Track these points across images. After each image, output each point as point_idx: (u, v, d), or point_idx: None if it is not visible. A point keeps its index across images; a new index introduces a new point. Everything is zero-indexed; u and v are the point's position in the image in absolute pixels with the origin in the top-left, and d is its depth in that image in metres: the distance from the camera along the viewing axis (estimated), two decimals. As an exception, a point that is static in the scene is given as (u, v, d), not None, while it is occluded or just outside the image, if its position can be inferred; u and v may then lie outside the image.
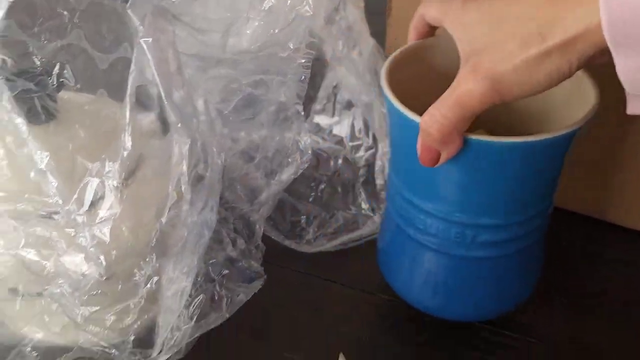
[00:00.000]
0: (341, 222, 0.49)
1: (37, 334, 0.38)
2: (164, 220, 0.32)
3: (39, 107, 0.33)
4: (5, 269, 0.34)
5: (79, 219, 0.31)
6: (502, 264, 0.37)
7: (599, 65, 0.28)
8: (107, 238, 0.32)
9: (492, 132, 0.35)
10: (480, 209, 0.34)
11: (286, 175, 0.42)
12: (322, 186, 0.50)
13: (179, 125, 0.32)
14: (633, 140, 0.44)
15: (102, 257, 0.32)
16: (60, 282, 0.33)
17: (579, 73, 0.33)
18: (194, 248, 0.35)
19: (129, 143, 0.32)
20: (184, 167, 0.32)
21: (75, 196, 0.32)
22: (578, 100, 0.34)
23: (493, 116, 0.37)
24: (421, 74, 0.38)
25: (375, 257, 0.43)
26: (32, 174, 0.34)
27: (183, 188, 0.33)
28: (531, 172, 0.33)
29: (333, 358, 0.36)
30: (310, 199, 0.50)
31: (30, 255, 0.33)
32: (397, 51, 0.36)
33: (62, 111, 0.34)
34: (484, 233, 0.35)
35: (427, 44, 0.38)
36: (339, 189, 0.50)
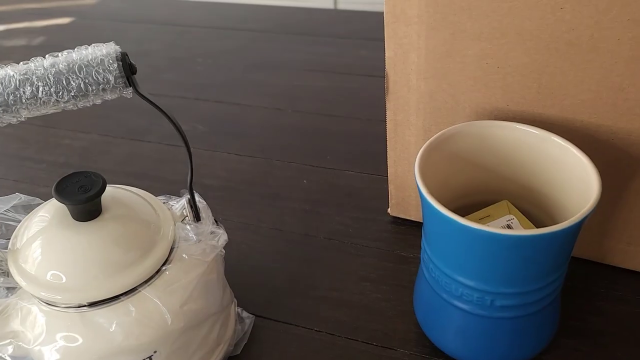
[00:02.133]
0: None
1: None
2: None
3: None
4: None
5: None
6: (520, 322, 0.41)
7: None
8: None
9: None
10: (494, 279, 0.38)
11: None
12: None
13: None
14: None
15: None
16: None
17: (583, 159, 0.39)
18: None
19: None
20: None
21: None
22: (582, 183, 0.39)
23: (512, 190, 0.44)
24: (446, 159, 0.43)
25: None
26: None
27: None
28: (545, 253, 0.37)
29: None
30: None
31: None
32: (425, 145, 0.41)
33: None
34: (501, 298, 0.39)
35: (450, 133, 0.43)
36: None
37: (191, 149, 0.40)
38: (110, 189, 0.42)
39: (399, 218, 0.59)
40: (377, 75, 0.87)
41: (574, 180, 0.40)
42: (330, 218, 0.61)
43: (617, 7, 0.37)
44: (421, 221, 0.58)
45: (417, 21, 0.44)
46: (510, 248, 0.36)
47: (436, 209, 0.36)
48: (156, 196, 0.46)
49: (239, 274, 0.55)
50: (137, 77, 0.37)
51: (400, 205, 0.58)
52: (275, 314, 0.51)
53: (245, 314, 0.50)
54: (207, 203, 0.44)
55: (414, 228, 0.58)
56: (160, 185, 0.67)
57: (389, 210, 0.59)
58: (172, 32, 1.08)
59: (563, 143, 0.41)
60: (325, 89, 0.85)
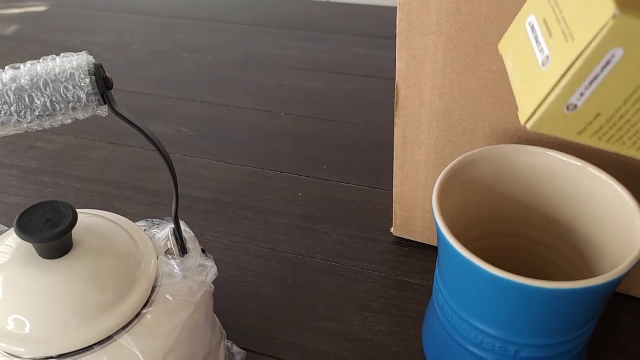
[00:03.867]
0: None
1: None
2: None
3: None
4: None
5: None
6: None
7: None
8: None
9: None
10: (522, 330, 0.33)
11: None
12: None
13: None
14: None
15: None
16: None
17: (625, 196, 0.34)
18: None
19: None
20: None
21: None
22: (621, 221, 0.35)
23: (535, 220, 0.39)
24: (465, 185, 0.38)
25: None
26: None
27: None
28: (577, 307, 0.32)
29: None
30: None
31: None
32: (443, 174, 0.37)
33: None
34: (527, 349, 0.34)
35: (472, 157, 0.38)
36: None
37: (176, 155, 0.35)
38: (82, 217, 0.37)
39: (402, 238, 0.55)
40: (375, 75, 0.82)
41: (612, 217, 0.36)
42: (328, 237, 0.56)
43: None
44: (427, 243, 0.54)
45: (435, 30, 0.39)
46: (544, 301, 0.31)
47: (461, 255, 0.32)
48: (136, 220, 0.41)
49: (230, 301, 0.50)
50: (115, 74, 0.32)
51: (405, 226, 0.53)
52: (269, 348, 0.47)
53: (235, 348, 0.45)
54: (193, 217, 0.39)
55: (418, 250, 0.54)
56: (142, 196, 0.62)
57: (392, 229, 0.55)
58: (155, 24, 1.02)
59: (601, 175, 0.36)
60: (319, 89, 0.80)
